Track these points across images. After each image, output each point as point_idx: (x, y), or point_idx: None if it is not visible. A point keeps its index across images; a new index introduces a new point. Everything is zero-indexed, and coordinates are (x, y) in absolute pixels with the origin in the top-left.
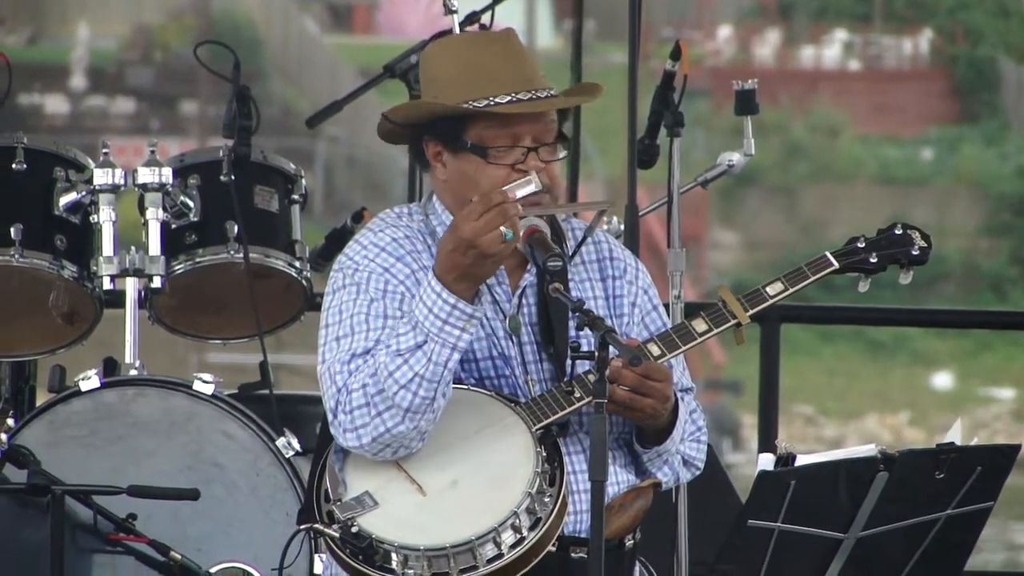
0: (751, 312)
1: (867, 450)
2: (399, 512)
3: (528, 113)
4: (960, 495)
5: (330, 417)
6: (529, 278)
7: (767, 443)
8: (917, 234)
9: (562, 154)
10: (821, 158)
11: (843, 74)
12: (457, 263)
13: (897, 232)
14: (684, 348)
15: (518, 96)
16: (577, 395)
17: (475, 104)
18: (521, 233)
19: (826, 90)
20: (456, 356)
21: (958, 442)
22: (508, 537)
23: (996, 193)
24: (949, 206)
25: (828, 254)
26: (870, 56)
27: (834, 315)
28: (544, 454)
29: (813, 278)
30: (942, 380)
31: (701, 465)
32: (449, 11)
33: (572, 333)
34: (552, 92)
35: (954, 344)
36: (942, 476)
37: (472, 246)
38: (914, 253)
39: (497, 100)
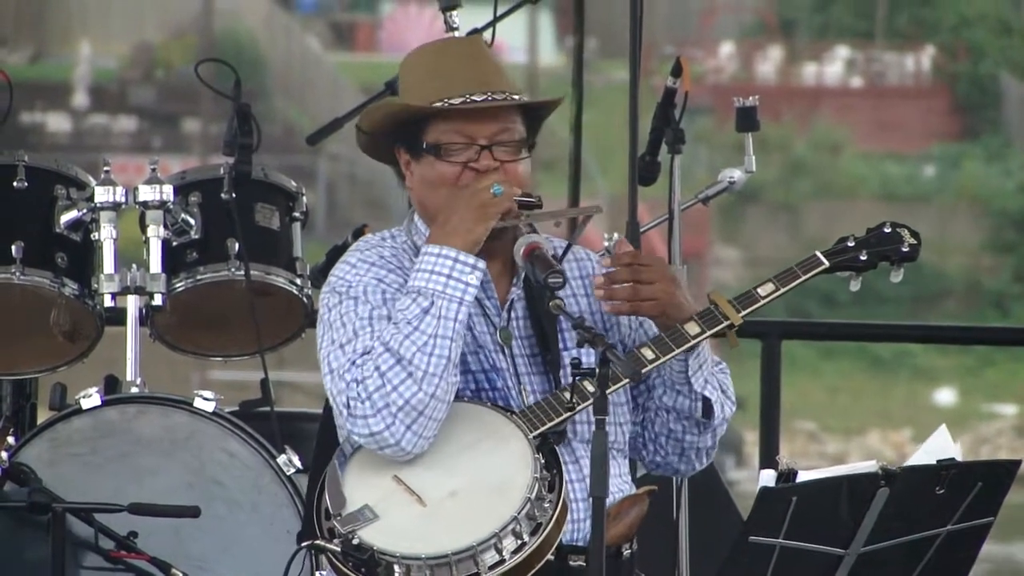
0: (743, 313)
1: (868, 466)
2: (400, 523)
3: (483, 112)
4: (961, 511)
5: (345, 414)
6: (516, 291)
7: (769, 460)
8: (906, 231)
9: (523, 155)
10: (823, 175)
11: (845, 91)
12: (449, 219)
13: (886, 230)
14: (678, 351)
15: (472, 97)
16: (574, 401)
17: (430, 102)
18: (521, 250)
19: (828, 107)
20: (464, 310)
21: (951, 450)
22: (509, 543)
23: (998, 210)
24: (951, 223)
25: (818, 253)
26: (872, 73)
27: (836, 331)
28: (542, 461)
29: (804, 277)
30: (944, 396)
31: (734, 400)
32: (451, 28)
33: (573, 350)
34: (517, 97)
35: (956, 360)
36: (943, 492)
37: (459, 195)
38: (904, 250)
39: (451, 101)
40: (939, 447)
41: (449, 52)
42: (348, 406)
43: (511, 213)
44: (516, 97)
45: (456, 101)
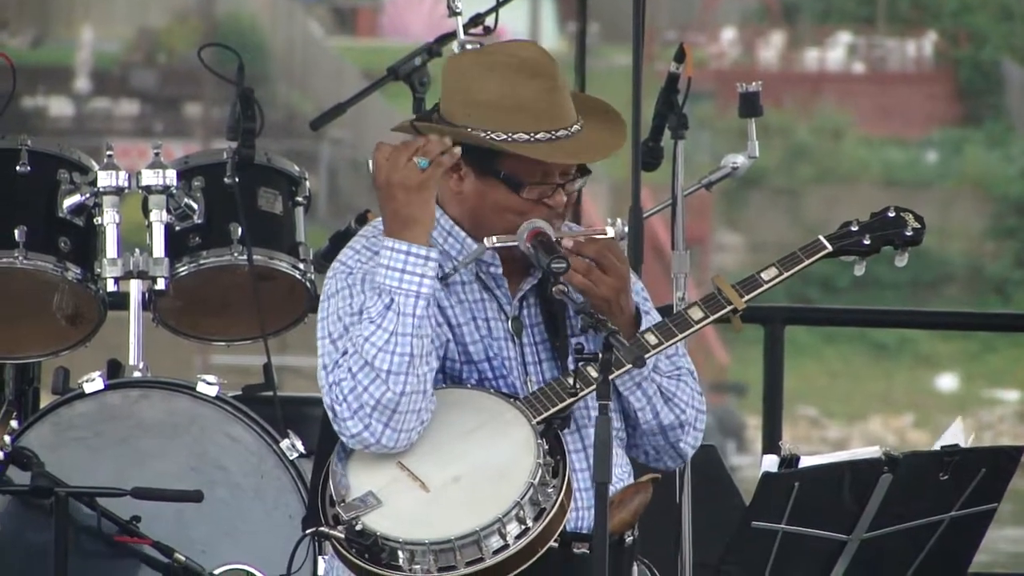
0: (747, 298)
1: (871, 452)
2: (403, 509)
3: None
4: (964, 497)
5: (331, 415)
6: (531, 281)
7: (771, 445)
8: (911, 216)
9: (579, 183)
10: (825, 160)
11: (847, 76)
12: (393, 210)
13: (890, 215)
14: (681, 336)
15: (556, 134)
16: (576, 387)
17: (514, 138)
18: (525, 235)
19: (830, 92)
20: (422, 303)
21: (961, 443)
22: (513, 528)
23: (1000, 195)
24: (953, 208)
25: (821, 237)
26: (874, 58)
27: (838, 317)
28: (546, 446)
29: (807, 262)
30: (946, 382)
31: (687, 410)
32: (453, 13)
33: (582, 336)
34: (579, 126)
35: (958, 346)
36: (946, 478)
37: (391, 185)
38: (908, 234)
39: (537, 137)
40: (953, 440)
41: (529, 81)
42: (331, 408)
43: (448, 159)
44: (579, 126)
45: (542, 139)
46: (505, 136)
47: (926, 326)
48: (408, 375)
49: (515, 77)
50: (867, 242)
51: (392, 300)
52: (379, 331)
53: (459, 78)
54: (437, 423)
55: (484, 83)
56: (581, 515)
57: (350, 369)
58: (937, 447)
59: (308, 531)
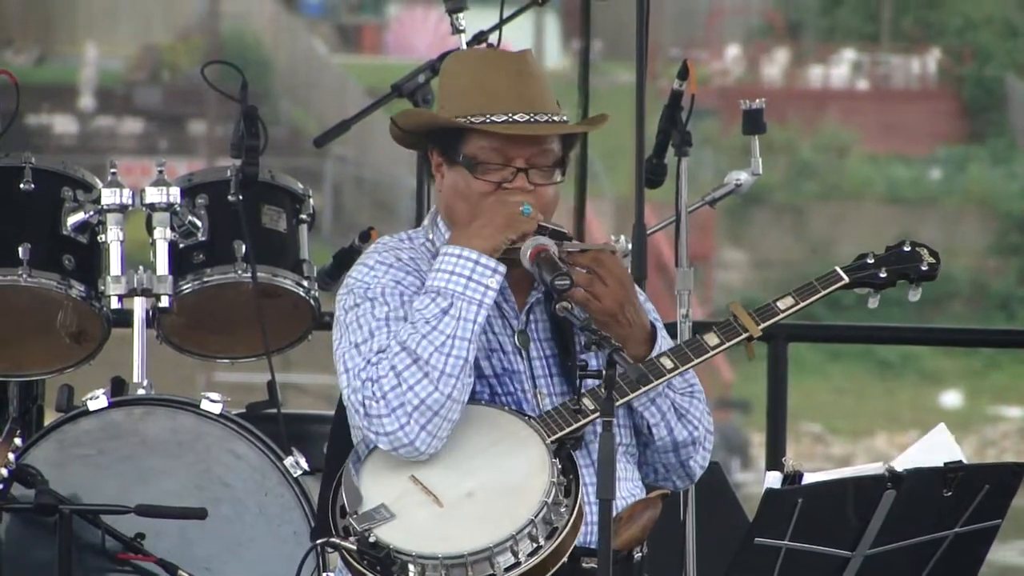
0: (763, 326)
1: (874, 468)
2: (416, 523)
3: (522, 135)
4: (968, 513)
5: (360, 413)
6: (536, 295)
7: (775, 462)
8: (925, 251)
9: (557, 178)
10: (829, 177)
11: (851, 93)
12: (483, 224)
13: (906, 249)
14: (697, 361)
15: (515, 118)
16: (589, 407)
17: (471, 120)
18: (528, 252)
19: (834, 109)
20: (483, 312)
21: (948, 447)
22: (525, 546)
23: (1004, 212)
24: (957, 225)
25: (838, 269)
26: (878, 75)
27: (843, 334)
28: (560, 466)
29: (823, 292)
30: (950, 399)
31: (699, 427)
32: (457, 31)
33: (583, 351)
34: (559, 118)
35: (962, 363)
36: (950, 494)
37: (497, 203)
38: (923, 269)
39: (493, 119)
40: (938, 445)
41: (496, 65)
42: (364, 405)
43: (529, 236)
44: (557, 119)
45: (498, 119)
46: (464, 119)
47: (930, 343)
48: (459, 379)
49: (484, 65)
50: (883, 275)
51: (452, 304)
52: (435, 332)
53: (442, 75)
54: (451, 439)
55: (457, 74)
56: (591, 529)
57: (393, 367)
58: (918, 451)
59: (319, 541)
